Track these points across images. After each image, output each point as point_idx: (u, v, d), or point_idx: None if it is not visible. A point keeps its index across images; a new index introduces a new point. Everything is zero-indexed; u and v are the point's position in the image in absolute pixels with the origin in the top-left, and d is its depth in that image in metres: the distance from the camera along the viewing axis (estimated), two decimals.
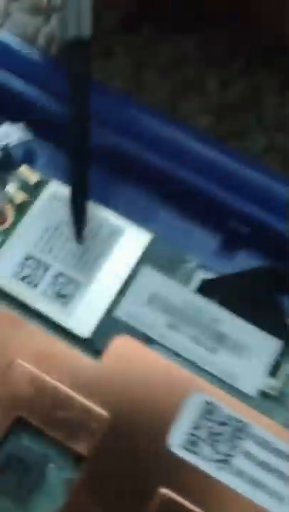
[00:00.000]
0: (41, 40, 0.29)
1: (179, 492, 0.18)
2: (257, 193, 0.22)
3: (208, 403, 0.19)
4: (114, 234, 0.22)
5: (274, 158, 0.26)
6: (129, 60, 0.29)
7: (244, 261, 0.23)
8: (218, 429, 0.19)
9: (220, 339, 0.21)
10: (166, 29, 0.29)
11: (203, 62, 0.29)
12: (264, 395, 0.20)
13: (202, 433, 0.19)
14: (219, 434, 0.19)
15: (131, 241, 0.22)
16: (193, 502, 0.18)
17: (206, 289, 0.21)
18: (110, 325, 0.20)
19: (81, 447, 0.19)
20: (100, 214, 0.22)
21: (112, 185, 0.23)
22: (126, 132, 0.23)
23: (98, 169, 0.22)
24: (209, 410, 0.19)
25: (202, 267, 0.22)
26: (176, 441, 0.19)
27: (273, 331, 0.21)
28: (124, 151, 0.23)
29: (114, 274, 0.21)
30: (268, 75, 0.28)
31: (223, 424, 0.19)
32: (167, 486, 0.18)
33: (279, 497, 0.19)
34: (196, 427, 0.19)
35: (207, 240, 0.23)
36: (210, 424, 0.19)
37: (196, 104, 0.28)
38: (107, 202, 0.22)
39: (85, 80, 0.21)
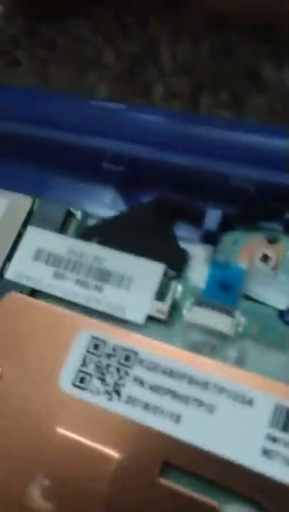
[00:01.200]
0: None
1: (74, 429, 0.18)
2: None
3: (94, 338, 0.19)
4: None
5: None
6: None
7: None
8: (105, 361, 0.19)
9: (104, 276, 0.20)
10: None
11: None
12: (153, 320, 0.19)
13: (90, 368, 0.19)
14: (107, 366, 0.19)
15: (13, 207, 0.22)
16: (89, 437, 0.18)
17: (88, 234, 0.22)
18: (3, 287, 0.21)
19: None
20: None
21: None
22: None
23: None
24: (95, 345, 0.19)
25: (91, 217, 0.22)
26: (65, 380, 0.19)
27: (164, 257, 0.20)
28: None
29: (1, 240, 0.22)
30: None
31: (109, 355, 0.19)
32: (62, 426, 0.18)
33: (174, 417, 0.17)
34: (83, 364, 0.19)
35: (92, 192, 0.23)
36: (97, 358, 0.19)
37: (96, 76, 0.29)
38: None
39: None
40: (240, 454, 0.17)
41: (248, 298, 0.20)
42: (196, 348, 0.19)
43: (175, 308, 0.20)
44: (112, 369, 0.18)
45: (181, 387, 0.18)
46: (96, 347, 0.19)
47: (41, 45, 0.30)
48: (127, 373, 0.18)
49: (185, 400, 0.18)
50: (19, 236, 0.22)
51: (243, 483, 0.16)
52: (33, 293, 0.21)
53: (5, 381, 0.19)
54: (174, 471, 0.17)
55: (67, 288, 0.20)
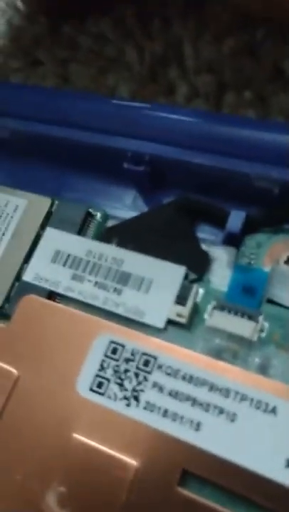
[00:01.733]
0: None
1: (91, 435, 0.18)
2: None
3: (112, 342, 0.19)
4: (18, 207, 0.22)
5: None
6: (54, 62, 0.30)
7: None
8: (124, 366, 0.18)
9: (123, 279, 0.20)
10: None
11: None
12: (173, 324, 0.19)
13: (108, 373, 0.18)
14: (126, 371, 0.18)
15: (32, 208, 0.22)
16: (106, 444, 0.17)
17: (108, 235, 0.21)
18: (21, 290, 0.21)
19: None
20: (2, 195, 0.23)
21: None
22: None
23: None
24: (114, 349, 0.19)
25: (111, 218, 0.22)
26: (82, 385, 0.18)
27: (185, 259, 0.20)
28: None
29: (19, 242, 0.22)
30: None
31: (128, 360, 0.18)
32: (79, 431, 0.18)
33: (193, 425, 0.17)
34: (101, 368, 0.18)
35: (112, 193, 0.23)
36: (115, 362, 0.18)
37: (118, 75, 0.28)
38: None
39: None
40: (262, 464, 0.16)
41: (272, 302, 0.19)
42: (217, 353, 0.18)
43: (196, 312, 0.19)
44: (131, 374, 0.18)
45: (202, 394, 0.17)
46: (114, 351, 0.18)
47: (63, 44, 0.30)
48: (145, 379, 0.18)
49: (205, 407, 0.17)
50: (38, 237, 0.22)
51: (265, 495, 0.16)
52: (51, 295, 0.21)
53: (22, 384, 0.19)
54: (193, 481, 0.17)
55: (85, 290, 0.20)
